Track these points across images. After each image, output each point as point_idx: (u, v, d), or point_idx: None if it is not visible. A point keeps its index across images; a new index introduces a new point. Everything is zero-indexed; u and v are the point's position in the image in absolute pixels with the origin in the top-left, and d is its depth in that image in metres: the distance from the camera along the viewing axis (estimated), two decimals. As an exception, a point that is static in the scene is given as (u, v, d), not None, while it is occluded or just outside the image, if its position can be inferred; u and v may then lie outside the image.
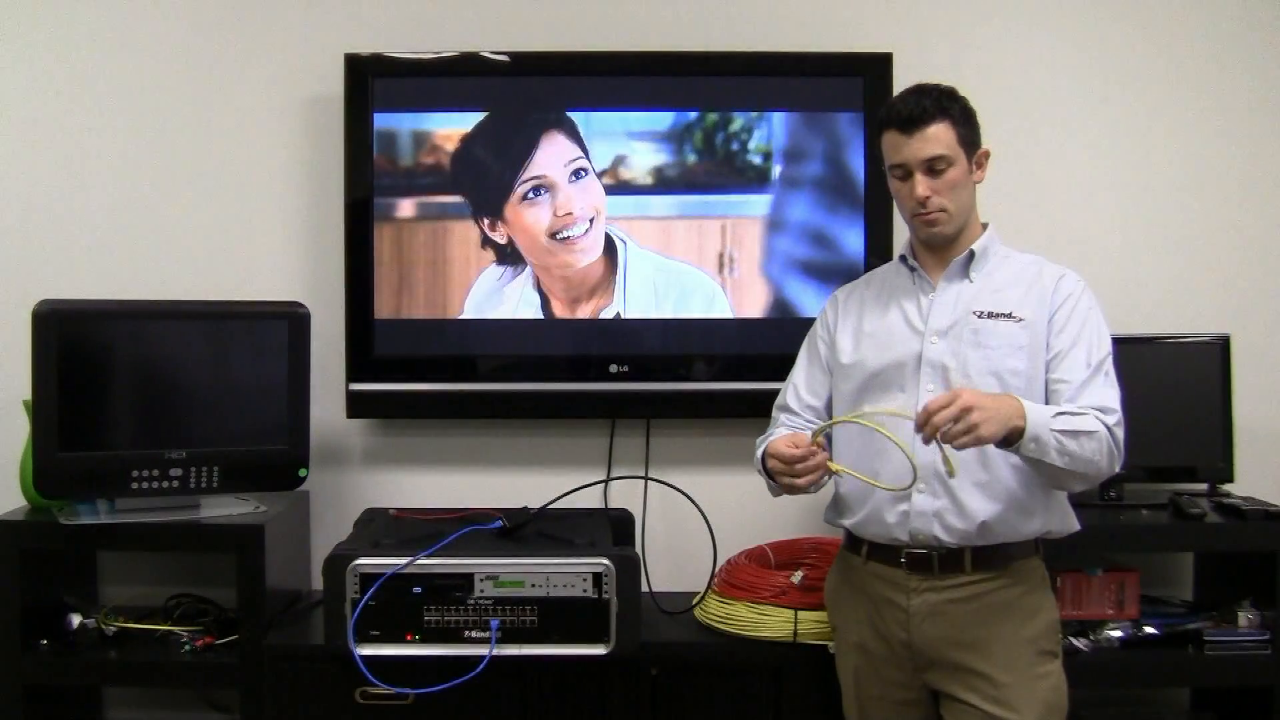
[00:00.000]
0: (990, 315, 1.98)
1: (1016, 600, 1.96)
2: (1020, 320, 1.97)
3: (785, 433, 2.07)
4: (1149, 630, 2.49)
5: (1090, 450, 1.85)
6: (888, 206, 2.41)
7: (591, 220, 2.65)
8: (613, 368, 2.65)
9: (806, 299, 2.63)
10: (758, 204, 2.65)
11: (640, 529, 2.69)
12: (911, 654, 1.99)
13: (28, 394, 2.32)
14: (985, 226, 2.06)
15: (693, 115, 2.64)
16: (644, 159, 2.64)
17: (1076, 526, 2.05)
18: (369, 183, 2.63)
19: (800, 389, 2.17)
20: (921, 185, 1.95)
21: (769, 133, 2.64)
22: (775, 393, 2.23)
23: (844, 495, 2.08)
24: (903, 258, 2.10)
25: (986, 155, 2.02)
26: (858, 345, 2.07)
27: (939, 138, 1.94)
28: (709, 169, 2.65)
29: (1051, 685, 1.96)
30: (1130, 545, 2.54)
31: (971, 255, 2.02)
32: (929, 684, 2.00)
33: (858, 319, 2.10)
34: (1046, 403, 1.94)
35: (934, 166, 1.94)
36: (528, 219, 2.64)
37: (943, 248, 2.03)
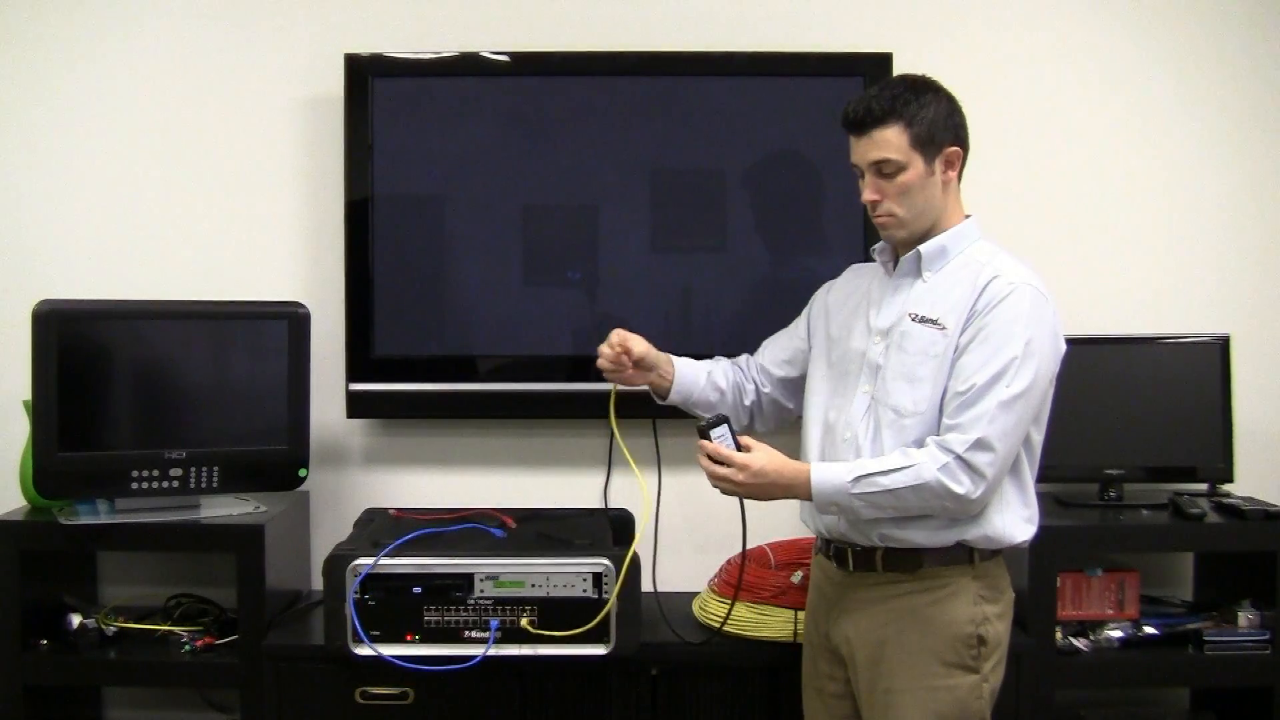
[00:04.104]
0: (921, 319, 1.90)
1: (924, 608, 1.90)
2: (944, 328, 1.87)
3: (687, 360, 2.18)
4: (1149, 630, 2.49)
5: (915, 501, 1.82)
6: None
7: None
8: (613, 368, 2.65)
9: (803, 299, 2.63)
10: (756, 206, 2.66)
11: (640, 529, 2.68)
12: (831, 647, 2.00)
13: (28, 394, 2.32)
14: (970, 217, 1.97)
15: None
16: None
17: (1014, 540, 1.91)
18: (369, 182, 2.63)
19: (766, 344, 2.21)
20: (869, 188, 1.92)
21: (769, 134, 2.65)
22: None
23: None
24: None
25: (958, 155, 1.91)
26: (827, 334, 2.07)
27: (888, 141, 1.88)
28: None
29: (954, 699, 1.88)
30: (1130, 545, 2.55)
31: (919, 256, 1.94)
32: (850, 679, 1.99)
33: (836, 307, 2.09)
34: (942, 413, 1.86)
35: (882, 170, 1.90)
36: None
37: (909, 245, 1.96)
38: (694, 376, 2.14)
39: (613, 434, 2.18)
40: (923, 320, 1.90)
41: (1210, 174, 2.76)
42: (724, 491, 1.91)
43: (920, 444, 1.85)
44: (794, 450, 1.99)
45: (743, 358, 2.23)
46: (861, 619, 1.95)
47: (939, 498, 1.81)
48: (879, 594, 1.93)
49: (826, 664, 2.03)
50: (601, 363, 2.09)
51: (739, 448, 1.91)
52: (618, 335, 2.08)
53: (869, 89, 1.95)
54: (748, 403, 2.18)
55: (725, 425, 1.92)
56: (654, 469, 2.65)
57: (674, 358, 2.14)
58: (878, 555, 1.93)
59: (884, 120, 1.87)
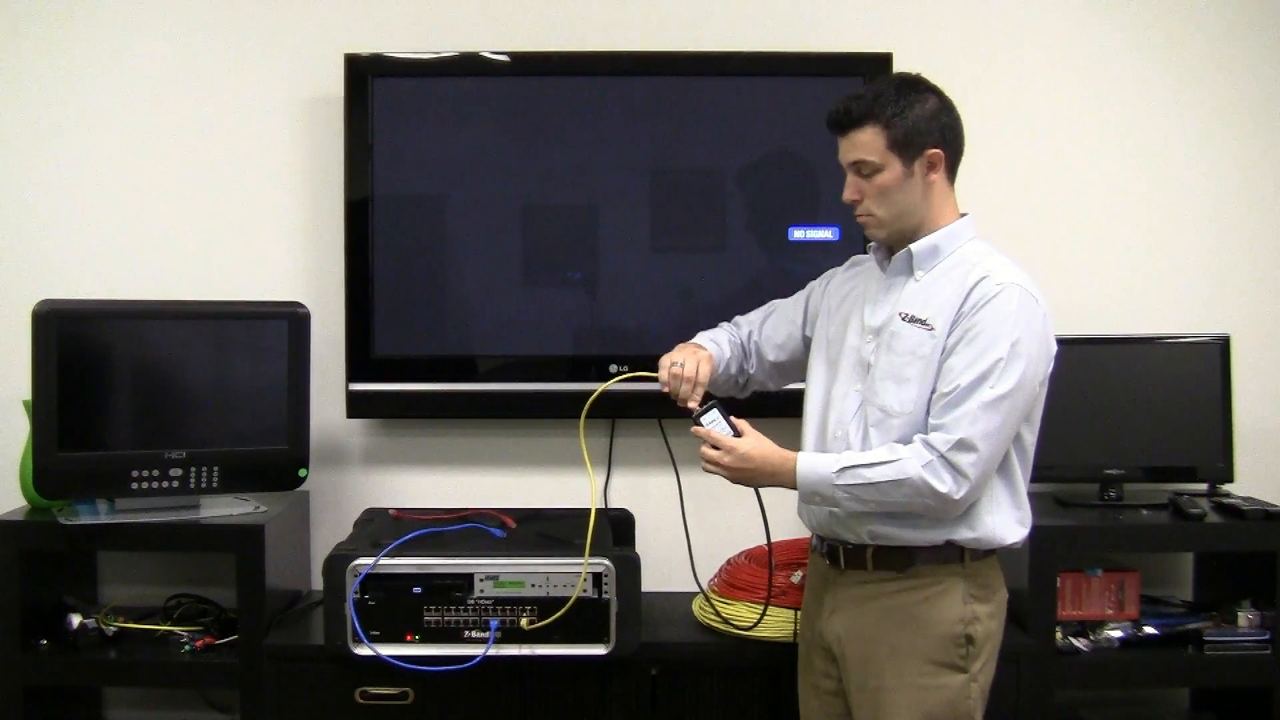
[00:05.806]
0: (911, 319, 1.89)
1: (914, 606, 1.90)
2: (932, 328, 1.87)
3: (714, 337, 2.15)
4: (1149, 630, 2.49)
5: (898, 496, 1.82)
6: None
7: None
8: (613, 368, 2.65)
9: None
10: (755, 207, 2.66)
11: (641, 529, 2.69)
12: (824, 645, 2.00)
13: (28, 394, 2.32)
14: (965, 216, 1.96)
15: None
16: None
17: (1005, 541, 1.90)
18: (369, 182, 2.63)
19: (766, 317, 2.18)
20: (849, 187, 1.93)
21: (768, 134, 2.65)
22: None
23: None
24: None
25: (939, 157, 1.89)
26: (826, 334, 2.06)
27: (865, 142, 1.88)
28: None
29: (943, 699, 1.88)
30: (1130, 545, 2.55)
31: (910, 255, 1.93)
32: (842, 677, 1.99)
33: (836, 305, 2.08)
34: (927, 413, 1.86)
35: (861, 170, 1.90)
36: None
37: (899, 244, 1.96)
38: (724, 376, 2.14)
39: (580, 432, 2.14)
40: (912, 320, 1.90)
41: (1210, 173, 2.76)
42: (719, 474, 1.94)
43: (907, 442, 1.85)
44: (794, 444, 1.98)
45: (743, 331, 2.19)
46: (852, 616, 1.95)
47: (921, 495, 1.81)
48: (869, 592, 1.94)
49: (821, 661, 2.03)
50: (668, 388, 2.02)
51: (734, 431, 1.93)
52: (689, 371, 1.99)
53: (854, 89, 1.96)
54: (741, 381, 2.20)
55: (716, 410, 1.95)
56: (664, 468, 2.66)
57: (706, 361, 2.05)
58: (868, 553, 1.93)
59: (861, 122, 1.88)
